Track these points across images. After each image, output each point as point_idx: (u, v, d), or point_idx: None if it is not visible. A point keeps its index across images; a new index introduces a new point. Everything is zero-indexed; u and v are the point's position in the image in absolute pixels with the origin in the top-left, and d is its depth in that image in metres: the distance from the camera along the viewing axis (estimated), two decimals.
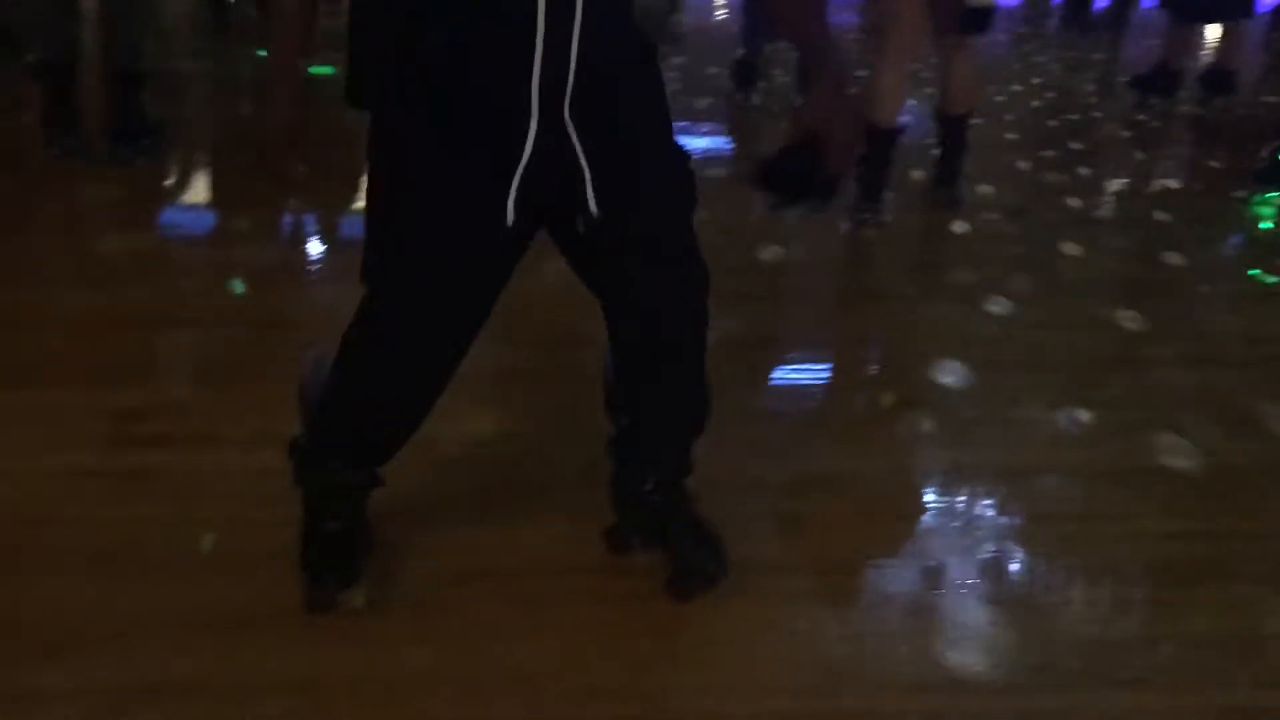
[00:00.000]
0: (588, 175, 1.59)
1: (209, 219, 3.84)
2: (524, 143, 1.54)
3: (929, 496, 2.33)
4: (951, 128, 4.15)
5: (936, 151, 4.27)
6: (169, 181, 4.12)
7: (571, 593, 1.92)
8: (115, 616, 1.78)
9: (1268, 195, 4.49)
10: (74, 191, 3.86)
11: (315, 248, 3.66)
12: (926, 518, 2.24)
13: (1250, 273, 3.82)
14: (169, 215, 3.84)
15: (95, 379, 2.53)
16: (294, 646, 1.74)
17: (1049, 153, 5.21)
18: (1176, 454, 2.52)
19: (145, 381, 2.57)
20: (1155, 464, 2.48)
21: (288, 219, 3.84)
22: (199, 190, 4.19)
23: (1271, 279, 3.73)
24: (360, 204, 1.69)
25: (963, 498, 2.31)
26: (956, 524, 2.22)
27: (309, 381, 1.92)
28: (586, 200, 1.60)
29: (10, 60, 4.62)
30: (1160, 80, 6.11)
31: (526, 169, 1.55)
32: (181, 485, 2.15)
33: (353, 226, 3.72)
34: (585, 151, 1.58)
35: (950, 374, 2.87)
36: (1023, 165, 4.96)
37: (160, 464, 2.22)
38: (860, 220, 3.91)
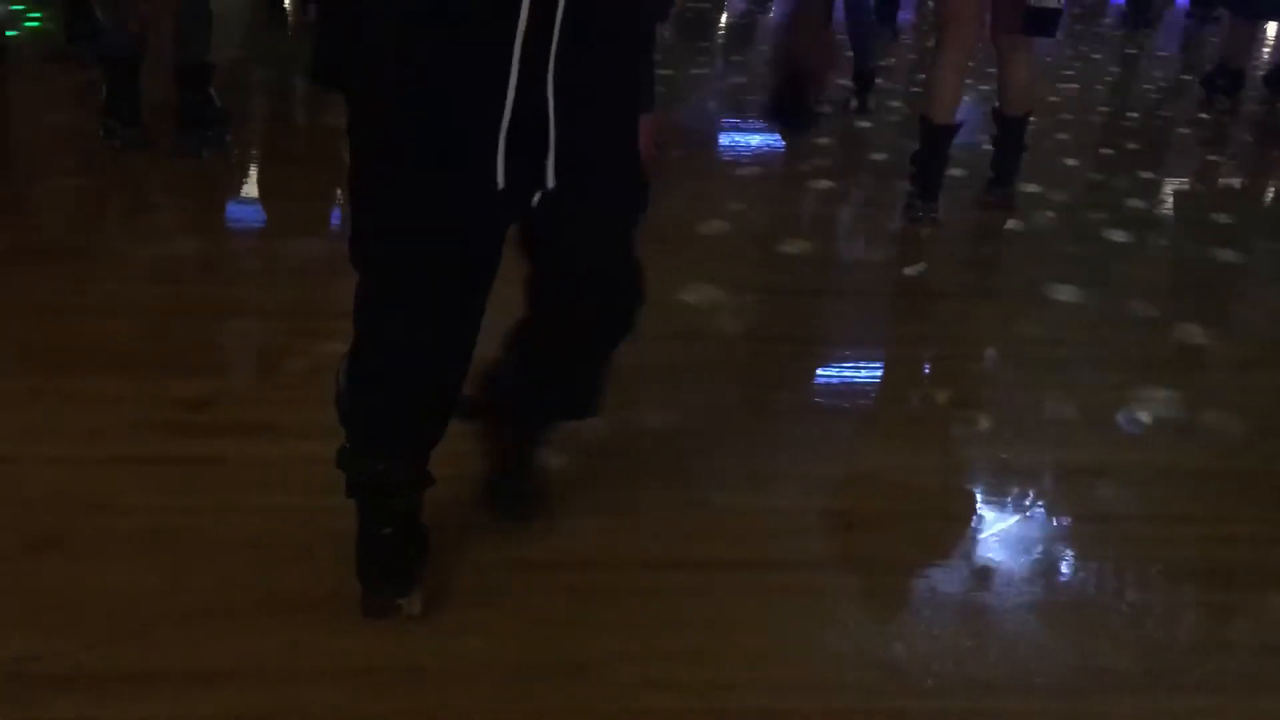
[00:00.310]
0: (552, 146, 1.57)
1: (270, 211, 3.89)
2: (504, 103, 1.52)
3: (981, 496, 2.31)
4: (1009, 128, 4.11)
5: (992, 150, 4.22)
6: (232, 173, 4.18)
7: (622, 586, 1.93)
8: (176, 603, 1.81)
9: None
10: (141, 181, 3.93)
11: None
12: (978, 517, 2.23)
13: None
14: (232, 208, 3.89)
15: (157, 368, 2.57)
16: (351, 634, 1.77)
17: (1107, 151, 5.15)
18: (1233, 456, 2.49)
19: (207, 371, 2.61)
20: (1212, 466, 2.45)
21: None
22: (260, 182, 4.24)
23: None
24: None
25: (1015, 498, 2.30)
26: (1009, 524, 2.21)
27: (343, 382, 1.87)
28: (545, 171, 1.58)
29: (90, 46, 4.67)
30: (1223, 79, 6.01)
31: (510, 131, 1.53)
32: (241, 473, 2.18)
33: None
34: (556, 122, 1.56)
35: (1004, 372, 2.85)
36: (1072, 162, 4.91)
37: (220, 452, 2.25)
38: (914, 218, 3.89)
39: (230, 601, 1.82)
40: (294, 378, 2.56)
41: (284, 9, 7.32)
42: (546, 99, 1.54)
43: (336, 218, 3.78)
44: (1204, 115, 5.97)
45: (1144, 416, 2.63)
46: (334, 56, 1.66)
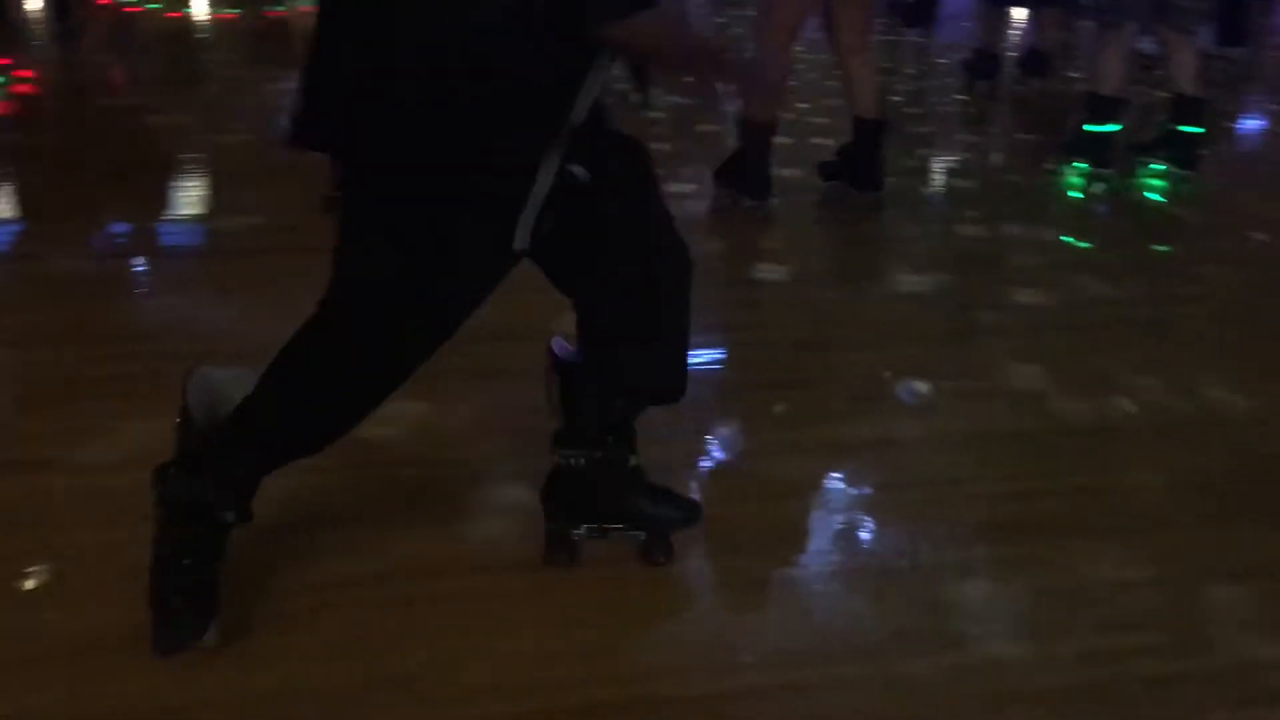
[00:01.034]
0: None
1: (18, 231, 3.65)
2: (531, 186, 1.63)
3: (779, 475, 2.38)
4: (865, 130, 4.14)
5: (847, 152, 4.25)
6: None
7: (442, 595, 1.91)
8: None
9: (1075, 165, 4.70)
10: None
11: (132, 259, 3.48)
12: (778, 496, 2.29)
13: (1063, 239, 4.02)
14: None
15: None
16: (157, 674, 1.67)
17: None
18: (1013, 418, 2.64)
19: None
20: (994, 429, 2.59)
21: (103, 230, 3.67)
22: (7, 202, 3.98)
23: (1084, 244, 3.93)
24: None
25: (814, 474, 2.37)
26: (808, 499, 2.28)
27: (195, 401, 1.80)
28: (572, 171, 1.69)
29: None
30: (981, 63, 6.31)
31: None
32: (12, 513, 2.04)
33: (172, 235, 3.60)
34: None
35: (782, 355, 2.94)
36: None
37: None
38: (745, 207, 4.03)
39: (23, 649, 1.71)
40: (56, 409, 2.41)
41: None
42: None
43: (96, 237, 3.57)
44: (963, 97, 6.28)
45: (925, 388, 2.76)
46: (327, 124, 1.66)
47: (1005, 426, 2.61)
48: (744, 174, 4.03)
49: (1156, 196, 4.60)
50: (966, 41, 6.89)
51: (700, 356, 2.83)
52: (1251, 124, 6.37)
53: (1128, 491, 2.37)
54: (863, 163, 4.14)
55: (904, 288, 3.50)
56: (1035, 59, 6.37)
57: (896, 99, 5.81)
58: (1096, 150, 4.62)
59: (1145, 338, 3.18)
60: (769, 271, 3.56)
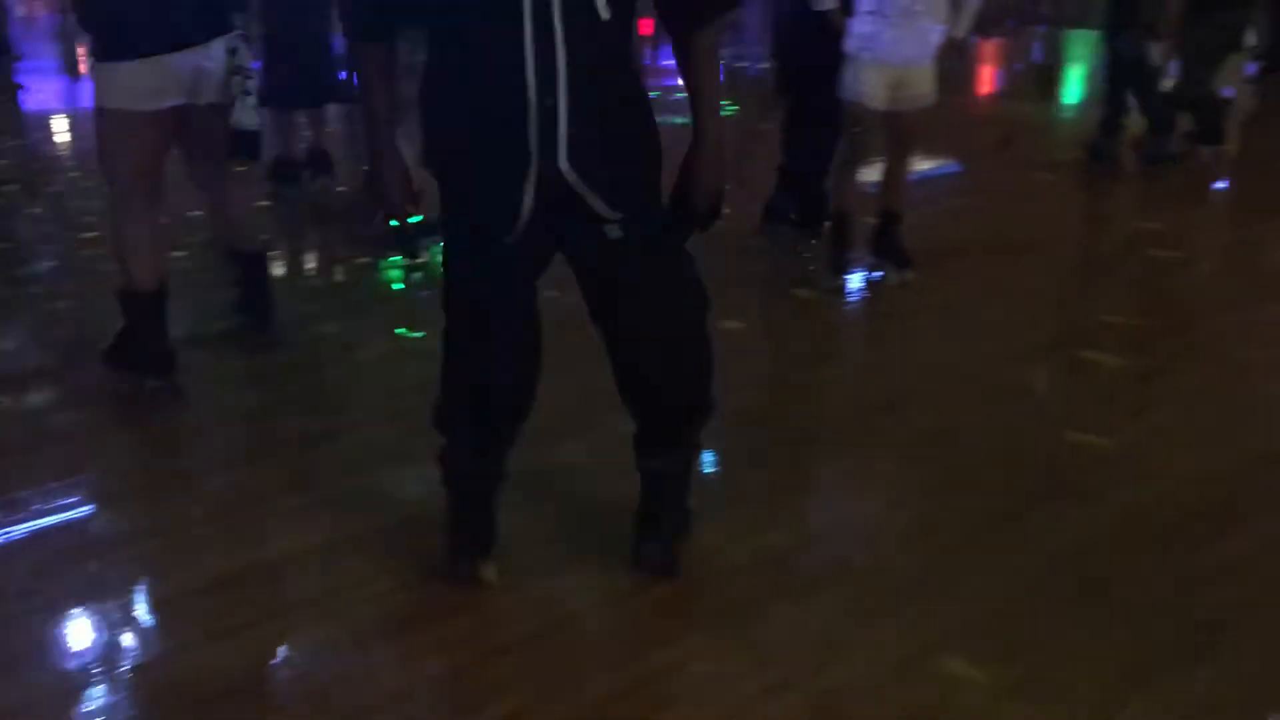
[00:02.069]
0: (594, 198, 2.18)
1: None
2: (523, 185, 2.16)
3: None
4: (249, 262, 3.85)
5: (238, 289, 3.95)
6: None
7: None
8: None
9: (392, 259, 4.86)
10: None
11: None
12: None
13: (398, 331, 4.16)
14: None
15: None
16: None
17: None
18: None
19: None
20: None
21: None
22: None
23: (418, 334, 4.10)
24: None
25: None
26: None
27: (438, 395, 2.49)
28: (599, 213, 2.20)
29: None
30: (284, 170, 6.29)
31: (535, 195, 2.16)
32: None
33: None
34: (587, 187, 2.16)
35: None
36: None
37: None
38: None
39: None
40: None
41: None
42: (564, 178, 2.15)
43: None
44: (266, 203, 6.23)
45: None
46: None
47: None
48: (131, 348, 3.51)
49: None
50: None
51: None
52: None
53: None
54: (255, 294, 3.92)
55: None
56: (320, 158, 6.50)
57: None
58: (409, 240, 4.77)
59: None
60: None
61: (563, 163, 2.10)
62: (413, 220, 4.75)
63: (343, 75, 6.45)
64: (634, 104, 2.24)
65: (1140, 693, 2.20)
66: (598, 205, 2.16)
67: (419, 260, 4.74)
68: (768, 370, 3.99)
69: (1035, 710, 2.16)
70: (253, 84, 3.43)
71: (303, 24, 6.00)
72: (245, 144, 3.43)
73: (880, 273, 4.68)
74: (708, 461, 2.98)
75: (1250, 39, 7.93)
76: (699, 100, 2.23)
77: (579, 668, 2.26)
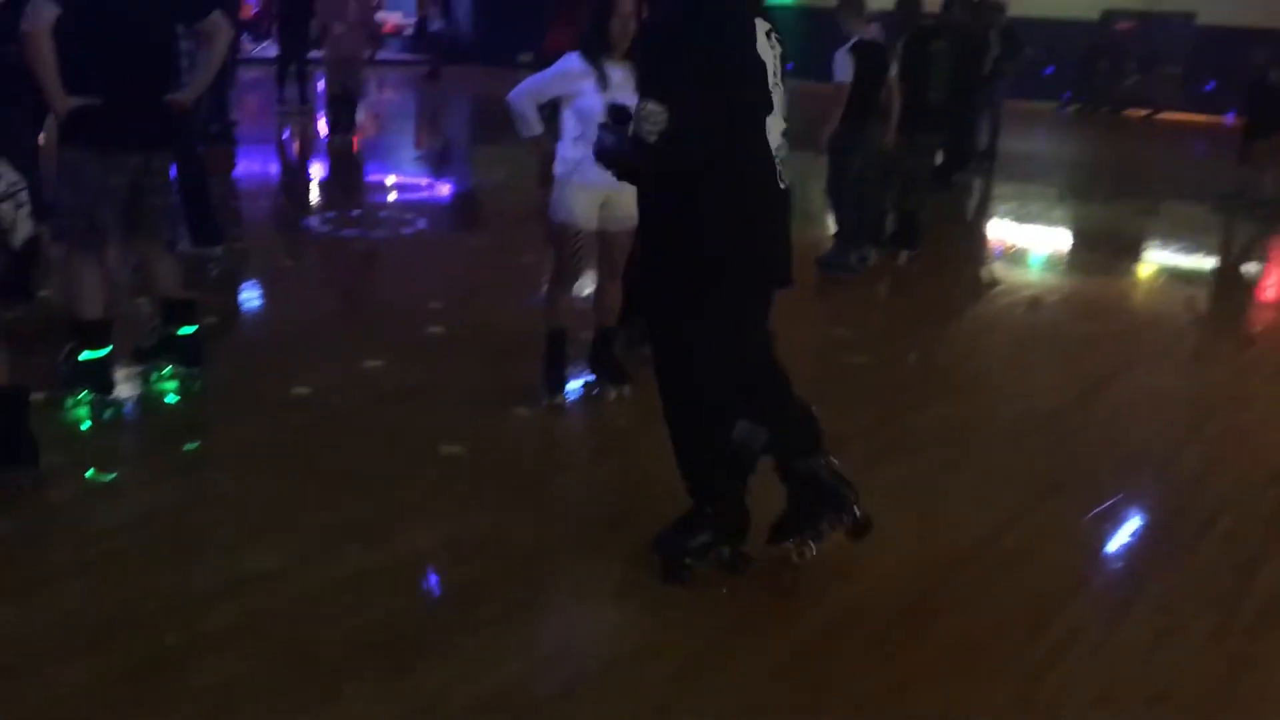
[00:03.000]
0: None
1: None
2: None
3: None
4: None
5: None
6: None
7: None
8: None
9: (78, 395, 4.44)
10: None
11: None
12: None
13: (87, 475, 3.82)
14: None
15: None
16: None
17: None
18: None
19: None
20: None
21: None
22: None
23: (109, 476, 3.77)
24: None
25: None
26: None
27: None
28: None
29: None
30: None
31: None
32: None
33: None
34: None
35: None
36: None
37: None
38: None
39: None
40: None
41: None
42: None
43: None
44: None
45: None
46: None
47: None
48: None
49: (174, 398, 4.63)
50: None
51: None
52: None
53: None
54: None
55: None
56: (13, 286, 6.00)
57: None
58: (95, 376, 4.44)
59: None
60: None
61: None
62: (101, 354, 4.44)
63: None
64: None
65: None
66: None
67: (110, 396, 4.43)
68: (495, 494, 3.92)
69: None
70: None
71: None
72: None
73: (598, 389, 4.73)
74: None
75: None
76: None
77: None
